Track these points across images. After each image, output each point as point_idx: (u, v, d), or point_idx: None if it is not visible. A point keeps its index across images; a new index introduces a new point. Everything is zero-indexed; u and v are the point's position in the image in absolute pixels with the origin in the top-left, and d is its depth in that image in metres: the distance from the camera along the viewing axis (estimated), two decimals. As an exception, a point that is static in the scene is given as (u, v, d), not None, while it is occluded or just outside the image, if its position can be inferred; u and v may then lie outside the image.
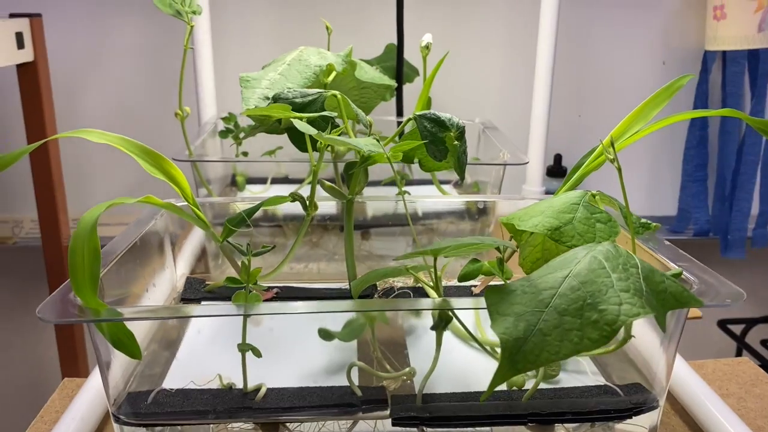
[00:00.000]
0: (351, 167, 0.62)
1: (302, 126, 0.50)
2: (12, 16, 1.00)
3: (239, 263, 0.50)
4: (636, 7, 1.23)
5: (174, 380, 0.49)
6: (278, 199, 0.53)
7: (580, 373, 0.52)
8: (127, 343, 0.43)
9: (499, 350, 0.54)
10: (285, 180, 0.95)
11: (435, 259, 0.45)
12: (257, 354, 0.45)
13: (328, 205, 0.77)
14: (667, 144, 1.32)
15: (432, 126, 0.55)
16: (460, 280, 0.51)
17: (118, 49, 1.18)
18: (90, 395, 0.56)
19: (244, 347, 0.46)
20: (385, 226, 0.83)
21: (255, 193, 0.93)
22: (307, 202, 0.57)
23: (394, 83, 0.85)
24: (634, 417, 0.46)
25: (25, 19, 1.00)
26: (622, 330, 0.49)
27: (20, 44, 0.99)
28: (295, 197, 0.56)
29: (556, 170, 1.26)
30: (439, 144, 0.56)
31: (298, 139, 0.60)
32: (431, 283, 0.52)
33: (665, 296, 0.40)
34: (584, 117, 1.29)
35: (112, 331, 0.42)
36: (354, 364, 0.47)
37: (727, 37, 1.18)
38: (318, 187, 0.57)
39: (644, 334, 0.52)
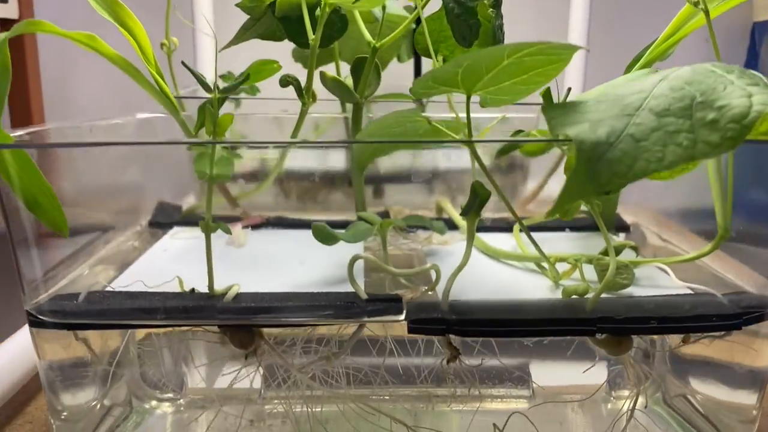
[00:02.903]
0: (360, 65, 0.51)
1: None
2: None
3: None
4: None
5: (120, 286, 0.38)
6: (265, 66, 0.42)
7: (660, 288, 0.39)
8: (45, 205, 0.31)
9: (546, 265, 0.41)
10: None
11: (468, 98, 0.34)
12: (226, 230, 0.33)
13: (337, 159, 0.65)
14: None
15: (460, -7, 0.44)
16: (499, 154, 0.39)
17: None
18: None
19: (208, 235, 0.33)
20: (402, 183, 0.71)
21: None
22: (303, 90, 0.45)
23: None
24: (744, 327, 0.33)
25: (11, -24, 0.93)
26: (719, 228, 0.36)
27: None
28: (288, 80, 0.45)
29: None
30: (469, 16, 0.45)
31: (295, 31, 0.50)
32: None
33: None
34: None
35: (24, 182, 0.31)
36: (358, 257, 0.35)
37: (780, 5, 1.07)
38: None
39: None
